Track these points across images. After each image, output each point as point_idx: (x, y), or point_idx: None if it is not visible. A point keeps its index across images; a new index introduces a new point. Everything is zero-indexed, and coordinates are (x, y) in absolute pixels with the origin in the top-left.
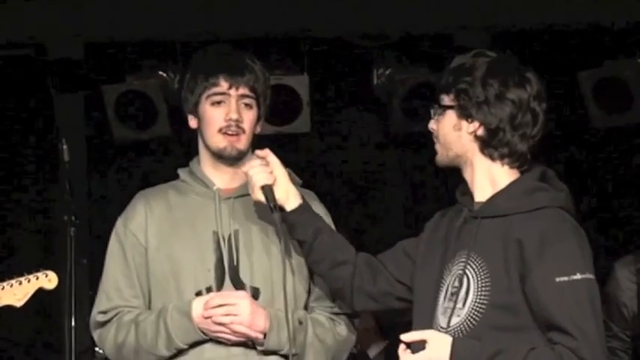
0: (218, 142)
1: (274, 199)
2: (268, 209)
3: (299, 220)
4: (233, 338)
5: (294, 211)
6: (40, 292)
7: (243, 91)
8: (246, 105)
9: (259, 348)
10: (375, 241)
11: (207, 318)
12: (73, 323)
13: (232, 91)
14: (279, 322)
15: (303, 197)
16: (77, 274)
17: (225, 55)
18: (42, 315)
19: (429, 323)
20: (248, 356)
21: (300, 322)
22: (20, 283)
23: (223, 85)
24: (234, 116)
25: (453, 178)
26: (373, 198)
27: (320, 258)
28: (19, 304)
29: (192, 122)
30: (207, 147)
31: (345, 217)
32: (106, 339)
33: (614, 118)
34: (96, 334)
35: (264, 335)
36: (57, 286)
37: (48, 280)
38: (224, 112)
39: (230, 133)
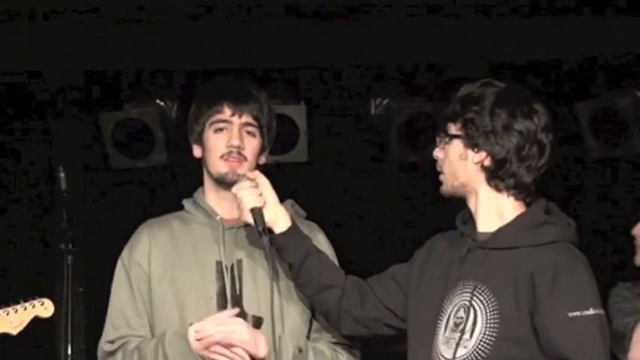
0: (219, 167)
1: (263, 222)
2: (258, 232)
3: (288, 243)
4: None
5: (283, 234)
6: (36, 320)
7: (246, 119)
8: (249, 133)
9: None
10: (373, 270)
11: (198, 340)
12: (69, 352)
13: (235, 119)
14: (279, 348)
15: (293, 219)
16: (73, 302)
17: (230, 84)
18: (38, 343)
19: (427, 352)
20: None
21: (300, 350)
22: (16, 311)
23: (227, 112)
24: (236, 142)
25: (452, 206)
26: (371, 227)
27: (308, 281)
28: (14, 332)
29: (197, 151)
30: (209, 174)
31: (342, 246)
32: None
33: (611, 149)
34: None
35: None
36: (53, 314)
37: (44, 308)
38: (226, 138)
39: (232, 159)
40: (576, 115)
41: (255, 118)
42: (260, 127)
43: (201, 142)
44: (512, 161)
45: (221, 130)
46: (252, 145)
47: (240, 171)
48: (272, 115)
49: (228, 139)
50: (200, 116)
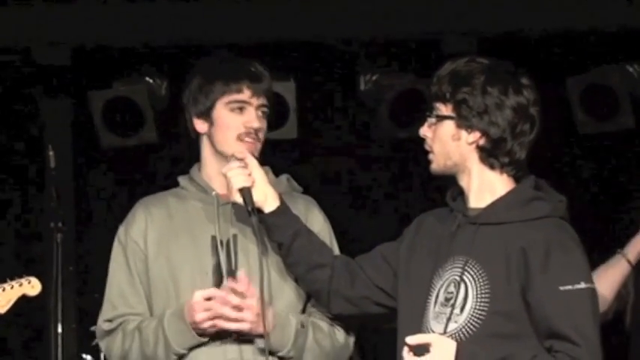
0: (236, 148)
1: (252, 202)
2: (247, 211)
3: (277, 222)
4: (229, 326)
5: (272, 213)
6: (25, 298)
7: (262, 100)
8: (263, 114)
9: (260, 346)
10: (362, 247)
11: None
12: (59, 330)
13: (254, 100)
14: (283, 322)
15: (282, 199)
16: (64, 280)
17: (245, 62)
18: (28, 322)
19: (417, 328)
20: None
21: (302, 326)
22: (3, 290)
23: (246, 92)
24: (256, 125)
25: (441, 183)
26: (360, 204)
27: (297, 260)
28: (2, 310)
29: (202, 126)
30: (218, 152)
31: (332, 223)
32: (112, 348)
33: (602, 125)
34: (103, 343)
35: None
36: (40, 292)
37: (31, 286)
38: (244, 119)
39: (249, 140)
40: (566, 90)
41: (269, 99)
42: (270, 107)
43: (208, 117)
44: (507, 139)
45: (240, 109)
46: (265, 125)
47: (255, 153)
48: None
49: (248, 121)
50: (211, 91)
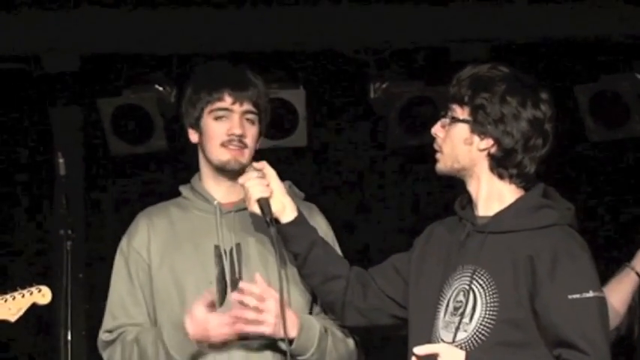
0: (220, 154)
1: (270, 212)
2: (266, 222)
3: (294, 233)
4: (249, 329)
5: (289, 224)
6: (35, 306)
7: (247, 107)
8: (249, 120)
9: (285, 348)
10: (372, 254)
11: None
12: (69, 337)
13: (236, 107)
14: (308, 325)
15: (299, 210)
16: (73, 288)
17: (229, 70)
18: (38, 329)
19: (427, 337)
20: None
21: (325, 330)
22: (14, 298)
23: (227, 100)
24: (238, 131)
25: (451, 191)
26: (370, 211)
27: (313, 271)
28: (13, 318)
29: (194, 137)
30: (208, 161)
31: (342, 231)
32: (113, 359)
33: (611, 132)
34: (105, 355)
35: (292, 340)
36: (51, 301)
37: (41, 295)
38: (227, 127)
39: (232, 147)
40: (576, 97)
41: (255, 105)
42: (259, 114)
43: (198, 127)
44: (519, 151)
45: (221, 117)
46: (252, 132)
47: (242, 159)
48: (267, 99)
49: (230, 128)
50: (198, 102)
